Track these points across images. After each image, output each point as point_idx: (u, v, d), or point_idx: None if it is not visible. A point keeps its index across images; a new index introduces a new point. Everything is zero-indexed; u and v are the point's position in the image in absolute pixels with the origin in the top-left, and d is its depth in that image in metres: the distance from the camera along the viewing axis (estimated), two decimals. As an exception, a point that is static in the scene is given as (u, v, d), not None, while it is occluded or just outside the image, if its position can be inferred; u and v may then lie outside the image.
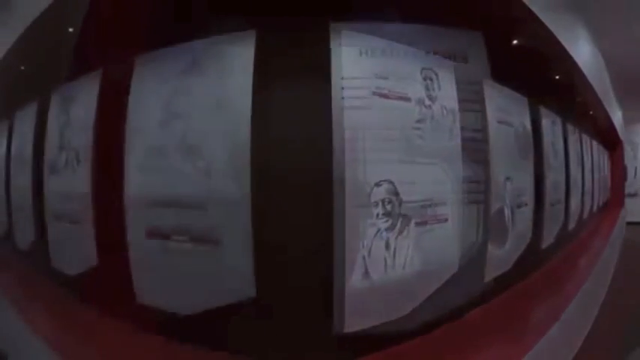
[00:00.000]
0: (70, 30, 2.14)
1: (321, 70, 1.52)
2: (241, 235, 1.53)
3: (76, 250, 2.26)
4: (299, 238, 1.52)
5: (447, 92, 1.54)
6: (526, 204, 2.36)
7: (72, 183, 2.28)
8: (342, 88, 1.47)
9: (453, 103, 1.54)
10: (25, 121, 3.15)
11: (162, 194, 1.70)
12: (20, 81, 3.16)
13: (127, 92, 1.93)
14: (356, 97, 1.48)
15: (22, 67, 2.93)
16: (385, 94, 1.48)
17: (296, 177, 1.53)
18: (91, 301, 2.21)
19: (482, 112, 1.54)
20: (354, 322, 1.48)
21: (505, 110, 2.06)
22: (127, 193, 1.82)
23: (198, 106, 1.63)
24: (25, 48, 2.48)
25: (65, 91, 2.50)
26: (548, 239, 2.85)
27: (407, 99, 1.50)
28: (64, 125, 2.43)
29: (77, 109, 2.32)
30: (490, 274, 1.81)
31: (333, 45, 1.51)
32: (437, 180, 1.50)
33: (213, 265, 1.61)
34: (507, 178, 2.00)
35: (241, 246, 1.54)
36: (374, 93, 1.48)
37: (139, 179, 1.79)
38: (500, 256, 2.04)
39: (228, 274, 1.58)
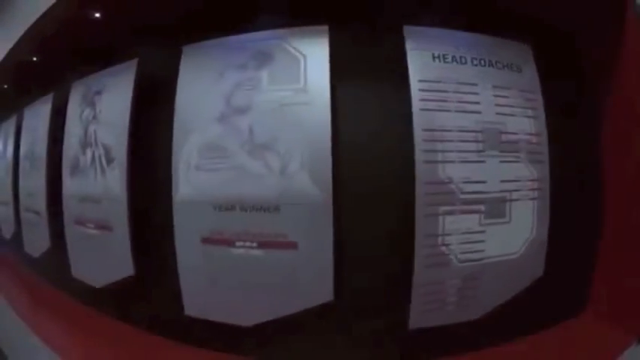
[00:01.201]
0: (97, 15, 1.88)
1: (398, 72, 1.56)
2: (322, 238, 1.49)
3: (106, 259, 2.05)
4: (381, 236, 1.55)
5: (507, 100, 1.63)
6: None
7: (101, 184, 2.05)
8: (420, 90, 1.53)
9: (510, 110, 1.63)
10: (38, 117, 2.81)
11: (223, 196, 1.59)
12: (29, 75, 2.79)
13: (170, 84, 1.77)
14: (432, 100, 1.54)
15: (34, 59, 2.58)
16: (459, 98, 1.56)
17: (377, 177, 1.55)
18: (127, 316, 2.03)
19: (538, 117, 1.66)
20: (430, 316, 1.54)
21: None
22: (176, 195, 1.69)
23: (269, 102, 1.56)
24: (36, 36, 2.18)
25: (91, 83, 2.26)
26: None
27: (476, 102, 1.59)
28: (88, 121, 2.20)
29: (107, 102, 2.10)
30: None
31: (408, 48, 1.55)
32: (504, 177, 1.59)
33: (288, 271, 1.54)
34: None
35: (321, 249, 1.51)
36: (448, 96, 1.55)
37: (191, 180, 1.66)
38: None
39: (305, 280, 1.53)
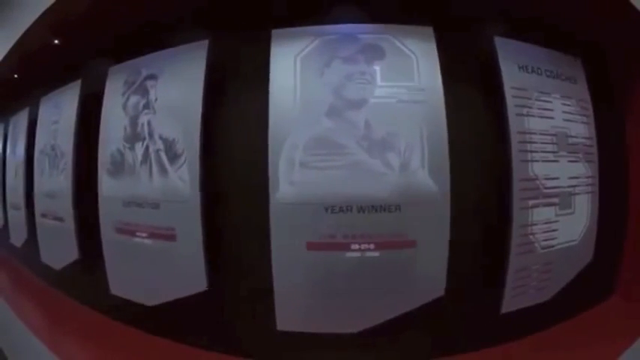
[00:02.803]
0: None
1: (491, 78, 1.71)
2: (440, 234, 1.55)
3: (168, 273, 1.80)
4: (483, 228, 1.68)
5: (569, 107, 1.91)
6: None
7: (161, 185, 1.79)
8: (513, 97, 1.70)
9: (572, 116, 1.90)
10: (59, 107, 2.39)
11: (338, 196, 1.51)
12: (47, 61, 2.37)
13: (256, 71, 1.63)
14: (522, 106, 1.73)
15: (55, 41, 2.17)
16: (539, 105, 1.77)
17: (481, 174, 1.68)
18: (200, 339, 1.79)
19: (590, 123, 1.95)
20: (517, 300, 1.73)
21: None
22: (274, 196, 1.53)
23: (385, 98, 1.55)
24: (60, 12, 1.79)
25: (139, 66, 1.94)
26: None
27: (550, 109, 1.82)
28: (138, 110, 1.89)
29: (167, 89, 1.83)
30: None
31: (500, 57, 1.71)
32: (570, 175, 1.84)
33: (404, 271, 1.55)
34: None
35: (439, 245, 1.56)
36: (532, 103, 1.75)
37: (295, 178, 1.53)
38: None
39: (420, 278, 1.56)
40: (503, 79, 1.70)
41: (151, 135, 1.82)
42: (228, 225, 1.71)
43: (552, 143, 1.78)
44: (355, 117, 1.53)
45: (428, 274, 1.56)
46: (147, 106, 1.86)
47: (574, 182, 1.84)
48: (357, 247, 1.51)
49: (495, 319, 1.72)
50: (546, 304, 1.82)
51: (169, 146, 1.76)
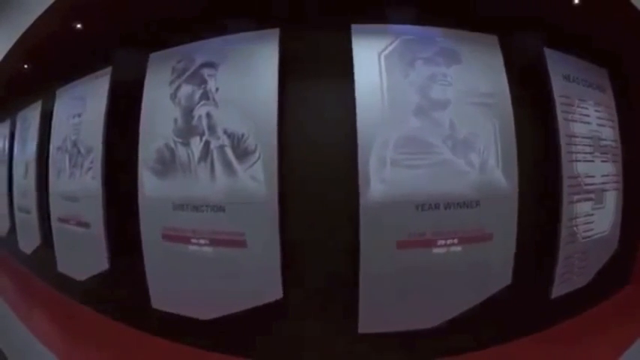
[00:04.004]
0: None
1: (542, 87, 1.88)
2: (511, 227, 1.67)
3: (233, 282, 1.66)
4: (539, 221, 1.83)
5: (600, 114, 2.14)
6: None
7: (225, 185, 1.64)
8: (561, 104, 1.87)
9: (603, 121, 2.13)
10: (82, 98, 2.15)
11: (427, 194, 1.55)
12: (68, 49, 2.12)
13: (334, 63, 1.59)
14: (567, 112, 1.91)
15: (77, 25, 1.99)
16: (579, 111, 1.97)
17: (534, 173, 1.81)
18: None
19: (615, 127, 2.19)
20: (564, 285, 1.91)
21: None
22: (366, 194, 1.51)
23: (465, 99, 1.63)
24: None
25: (191, 53, 1.77)
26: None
27: (587, 115, 2.04)
28: (193, 102, 1.72)
29: (231, 78, 1.66)
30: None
31: (550, 68, 1.88)
32: (602, 173, 2.07)
33: (482, 262, 1.63)
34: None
35: (511, 238, 1.68)
36: (574, 109, 1.94)
37: (387, 177, 1.54)
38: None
39: (494, 267, 1.66)
40: (553, 87, 1.88)
41: (212, 129, 1.67)
42: (304, 226, 1.65)
43: (589, 145, 2.01)
44: (440, 117, 1.59)
45: (501, 264, 1.68)
46: (205, 96, 1.70)
47: (605, 180, 2.08)
48: (443, 242, 1.57)
49: (547, 303, 1.89)
50: (582, 289, 2.04)
51: (237, 142, 1.63)
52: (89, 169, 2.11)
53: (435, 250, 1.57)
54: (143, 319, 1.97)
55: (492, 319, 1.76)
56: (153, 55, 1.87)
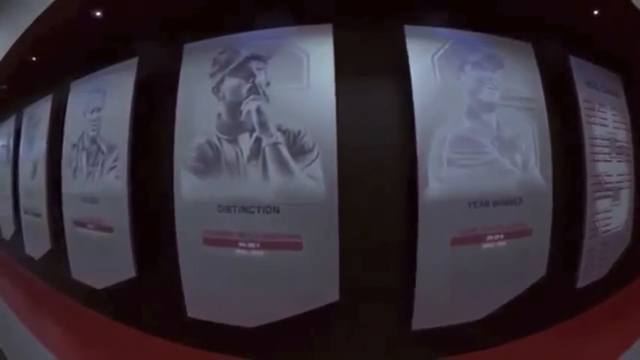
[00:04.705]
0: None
1: (568, 92, 2.03)
2: (548, 222, 1.79)
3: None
4: (567, 216, 1.95)
5: (616, 117, 2.31)
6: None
7: (278, 184, 1.60)
8: (585, 108, 2.01)
9: (618, 124, 2.30)
10: (102, 92, 2.02)
11: (478, 192, 1.63)
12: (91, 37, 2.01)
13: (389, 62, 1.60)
14: (589, 115, 2.06)
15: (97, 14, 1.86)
16: (598, 115, 2.13)
17: (561, 173, 1.91)
18: None
19: (629, 130, 2.38)
20: (587, 276, 2.05)
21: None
22: (424, 192, 1.54)
23: (509, 102, 1.73)
24: None
25: (235, 45, 1.71)
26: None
27: (605, 119, 2.20)
28: (240, 97, 1.65)
29: (285, 73, 1.60)
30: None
31: (575, 76, 2.03)
32: (618, 172, 2.25)
33: (523, 257, 1.73)
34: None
35: (548, 232, 1.80)
36: (595, 113, 2.10)
37: (444, 175, 1.60)
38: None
39: (534, 261, 1.76)
40: (578, 92, 2.03)
41: (263, 125, 1.61)
42: (361, 226, 1.64)
43: (607, 147, 2.18)
44: (489, 118, 1.69)
45: (538, 257, 1.80)
46: (254, 90, 1.63)
47: (621, 179, 2.26)
48: (491, 238, 1.65)
49: (574, 293, 2.04)
50: (601, 280, 2.21)
51: (293, 140, 1.58)
52: (112, 168, 1.98)
53: (485, 246, 1.66)
54: (176, 328, 1.89)
55: (528, 309, 1.86)
56: (188, 46, 1.79)
